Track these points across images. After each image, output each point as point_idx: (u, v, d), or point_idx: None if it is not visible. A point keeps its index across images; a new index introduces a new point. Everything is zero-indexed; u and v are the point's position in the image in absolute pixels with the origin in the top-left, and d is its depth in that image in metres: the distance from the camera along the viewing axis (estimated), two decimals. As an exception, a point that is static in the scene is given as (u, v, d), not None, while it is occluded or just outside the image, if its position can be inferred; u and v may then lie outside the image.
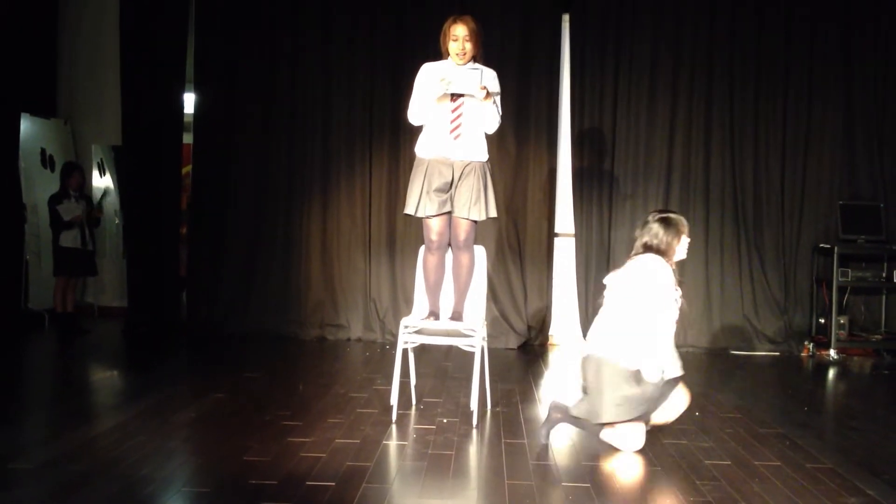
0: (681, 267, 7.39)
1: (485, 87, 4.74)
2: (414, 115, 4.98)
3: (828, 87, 7.62)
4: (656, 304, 4.14)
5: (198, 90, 7.86)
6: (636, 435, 4.24)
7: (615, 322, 4.24)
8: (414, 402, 5.20)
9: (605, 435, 4.32)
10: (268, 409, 4.93)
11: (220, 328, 7.69)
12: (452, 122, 4.86)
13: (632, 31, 7.65)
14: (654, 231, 4.29)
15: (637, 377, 4.15)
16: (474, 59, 4.92)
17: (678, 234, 4.31)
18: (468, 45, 4.84)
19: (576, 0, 7.70)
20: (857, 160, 7.64)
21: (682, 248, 4.35)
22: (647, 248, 4.29)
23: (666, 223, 4.30)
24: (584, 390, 4.38)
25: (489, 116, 4.90)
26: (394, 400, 4.83)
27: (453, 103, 4.85)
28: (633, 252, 4.34)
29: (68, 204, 7.53)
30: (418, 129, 5.05)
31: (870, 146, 7.62)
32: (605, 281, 4.43)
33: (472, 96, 4.78)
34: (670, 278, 4.20)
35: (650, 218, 4.37)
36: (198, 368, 6.69)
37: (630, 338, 4.16)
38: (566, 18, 7.75)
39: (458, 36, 4.83)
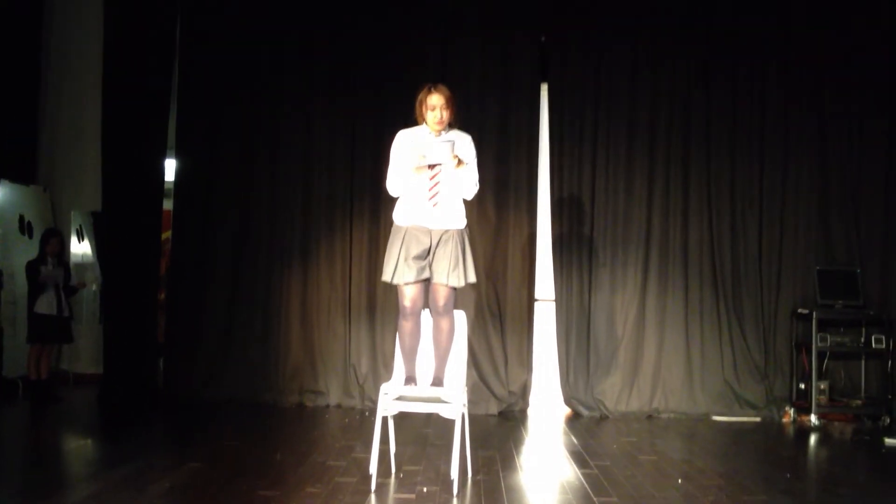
0: (661, 333, 7.50)
1: (456, 156, 4.78)
2: (393, 187, 5.01)
3: (802, 154, 7.74)
4: None
5: (178, 157, 7.89)
6: None
7: None
8: (394, 470, 5.13)
9: None
10: (245, 479, 4.84)
11: (197, 395, 7.59)
12: (430, 189, 4.89)
13: (609, 100, 7.77)
14: None
15: None
16: (450, 125, 4.97)
17: None
18: (445, 114, 4.89)
19: (553, 70, 7.82)
20: (832, 225, 7.73)
21: None
22: None
23: None
24: None
25: (466, 183, 4.93)
26: (373, 468, 4.77)
27: (430, 171, 4.88)
28: None
29: (46, 270, 7.49)
30: (395, 196, 5.07)
31: (845, 212, 7.71)
32: None
33: (444, 164, 4.82)
34: None
35: None
36: (174, 437, 6.58)
37: None
38: (545, 87, 7.86)
39: (435, 105, 4.88)
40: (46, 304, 7.50)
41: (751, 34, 7.73)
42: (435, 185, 4.87)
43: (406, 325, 4.95)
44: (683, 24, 7.77)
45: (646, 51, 7.77)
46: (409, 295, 4.88)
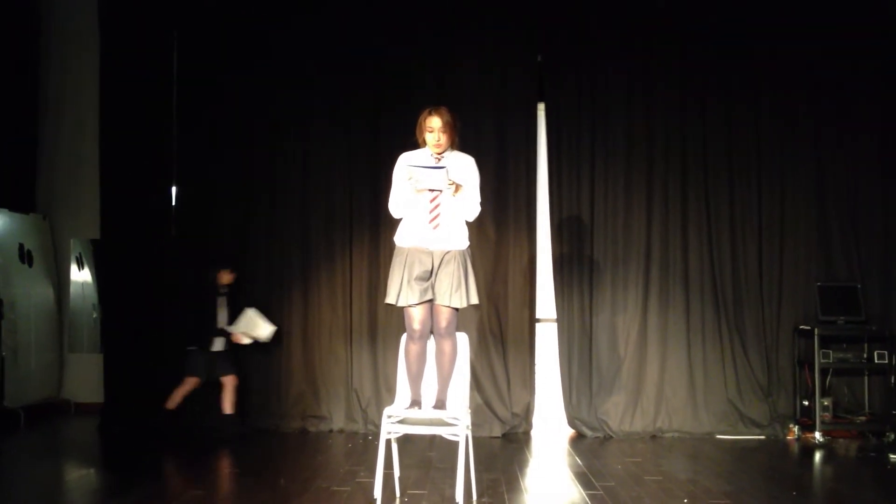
0: (663, 352, 7.48)
1: (453, 183, 4.79)
2: (395, 209, 5.03)
3: (799, 169, 7.74)
4: None
5: (178, 183, 7.89)
6: None
7: None
8: (398, 494, 5.11)
9: None
10: (248, 506, 4.83)
11: (199, 422, 7.55)
12: (431, 211, 4.90)
13: (606, 120, 7.78)
14: None
15: None
16: (450, 147, 4.99)
17: None
18: (443, 137, 4.91)
19: (549, 91, 7.85)
20: (832, 241, 7.72)
21: None
22: None
23: None
24: None
25: (467, 206, 4.95)
26: (377, 493, 4.75)
27: (431, 193, 4.89)
28: None
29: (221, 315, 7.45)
30: (398, 219, 5.08)
31: (844, 226, 7.72)
32: None
33: (441, 192, 4.83)
34: None
35: None
36: (177, 465, 6.55)
37: None
38: (541, 107, 7.89)
39: (434, 128, 4.91)
40: (220, 341, 7.41)
41: (745, 53, 7.76)
42: (436, 208, 4.89)
43: (413, 348, 4.94)
44: (678, 43, 7.79)
45: (641, 70, 7.79)
46: (418, 317, 4.87)
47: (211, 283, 7.42)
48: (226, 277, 7.46)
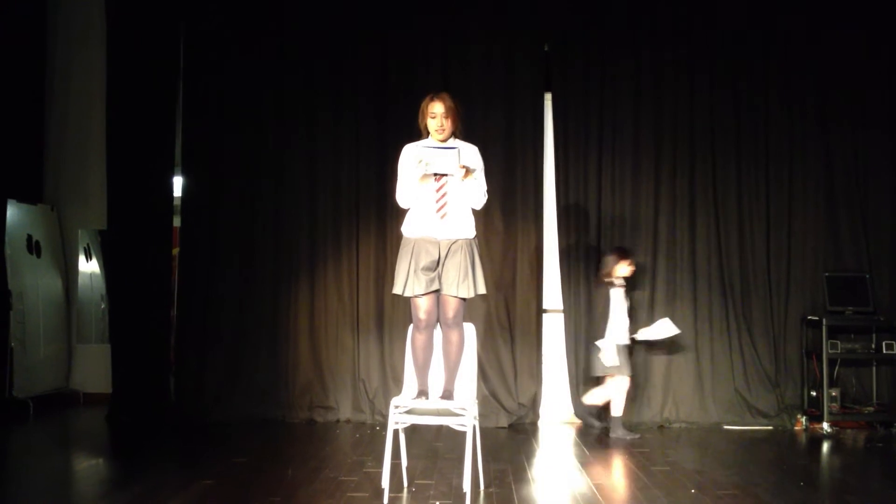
0: (670, 342, 7.47)
1: (464, 166, 4.78)
2: (402, 199, 5.01)
3: (807, 159, 7.73)
4: None
5: (184, 174, 7.90)
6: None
7: None
8: (405, 484, 5.12)
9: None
10: (256, 496, 4.83)
11: (207, 413, 7.57)
12: (437, 201, 4.88)
13: (613, 109, 7.76)
14: None
15: None
16: (453, 135, 4.98)
17: None
18: (446, 122, 4.90)
19: (556, 80, 7.83)
20: (840, 231, 7.71)
21: None
22: None
23: None
24: None
25: (474, 193, 4.93)
26: (385, 483, 4.75)
27: (437, 182, 4.88)
28: None
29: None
30: (405, 209, 5.07)
31: (852, 216, 7.70)
32: None
33: (451, 175, 4.81)
34: None
35: None
36: (185, 455, 6.57)
37: None
38: (548, 97, 7.87)
39: (436, 113, 4.89)
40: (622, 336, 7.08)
41: (753, 42, 7.73)
42: (442, 197, 4.87)
43: (420, 338, 4.93)
44: (686, 33, 7.77)
45: (648, 60, 7.77)
46: (424, 307, 4.86)
47: (607, 274, 7.10)
48: (623, 269, 7.14)
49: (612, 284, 7.11)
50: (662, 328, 7.24)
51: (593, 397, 7.20)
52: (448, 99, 4.92)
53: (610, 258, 7.19)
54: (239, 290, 7.76)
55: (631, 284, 7.57)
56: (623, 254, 7.19)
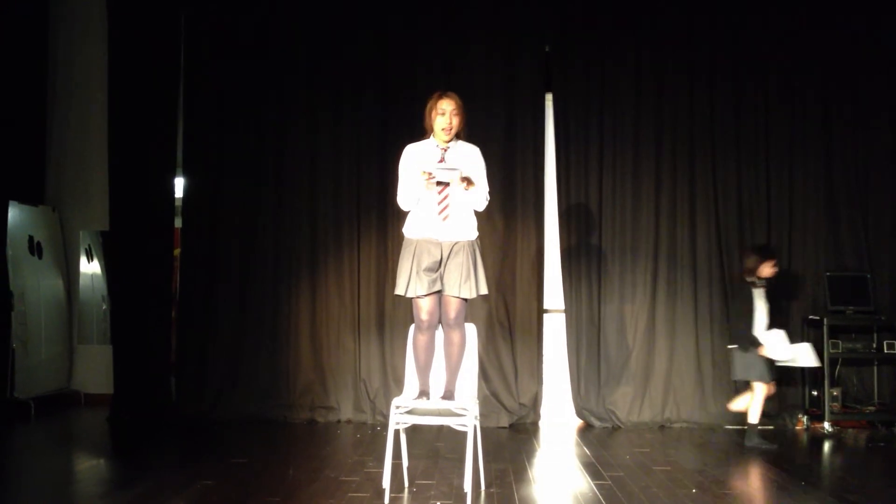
0: (671, 341, 7.47)
1: (465, 179, 4.79)
2: (404, 202, 5.01)
3: (808, 157, 7.72)
4: None
5: (186, 174, 7.91)
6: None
7: None
8: (406, 484, 5.12)
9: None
10: (257, 496, 4.84)
11: (208, 413, 7.58)
12: (440, 203, 4.89)
13: (613, 109, 7.77)
14: None
15: None
16: (458, 135, 4.98)
17: None
18: (455, 120, 4.91)
19: (557, 80, 7.83)
20: (841, 230, 7.71)
21: None
22: None
23: None
24: None
25: (477, 197, 4.94)
26: (386, 483, 4.76)
27: (440, 185, 4.88)
28: None
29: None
30: (406, 210, 5.07)
31: (853, 215, 7.70)
32: None
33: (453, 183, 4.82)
34: None
35: None
36: (185, 455, 6.57)
37: None
38: (549, 97, 7.87)
39: (446, 110, 4.90)
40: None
41: (753, 41, 7.73)
42: (444, 199, 4.88)
43: (421, 338, 4.94)
44: (686, 33, 7.77)
45: (649, 60, 7.77)
46: (426, 308, 4.87)
47: (749, 273, 6.75)
48: (767, 270, 6.75)
49: (753, 284, 6.74)
50: (800, 353, 6.79)
51: (739, 404, 6.88)
52: (456, 97, 4.95)
53: (754, 257, 6.79)
54: (240, 290, 7.76)
55: (632, 284, 7.59)
56: (767, 254, 6.83)
